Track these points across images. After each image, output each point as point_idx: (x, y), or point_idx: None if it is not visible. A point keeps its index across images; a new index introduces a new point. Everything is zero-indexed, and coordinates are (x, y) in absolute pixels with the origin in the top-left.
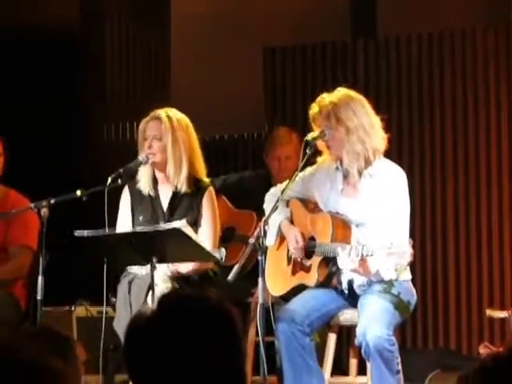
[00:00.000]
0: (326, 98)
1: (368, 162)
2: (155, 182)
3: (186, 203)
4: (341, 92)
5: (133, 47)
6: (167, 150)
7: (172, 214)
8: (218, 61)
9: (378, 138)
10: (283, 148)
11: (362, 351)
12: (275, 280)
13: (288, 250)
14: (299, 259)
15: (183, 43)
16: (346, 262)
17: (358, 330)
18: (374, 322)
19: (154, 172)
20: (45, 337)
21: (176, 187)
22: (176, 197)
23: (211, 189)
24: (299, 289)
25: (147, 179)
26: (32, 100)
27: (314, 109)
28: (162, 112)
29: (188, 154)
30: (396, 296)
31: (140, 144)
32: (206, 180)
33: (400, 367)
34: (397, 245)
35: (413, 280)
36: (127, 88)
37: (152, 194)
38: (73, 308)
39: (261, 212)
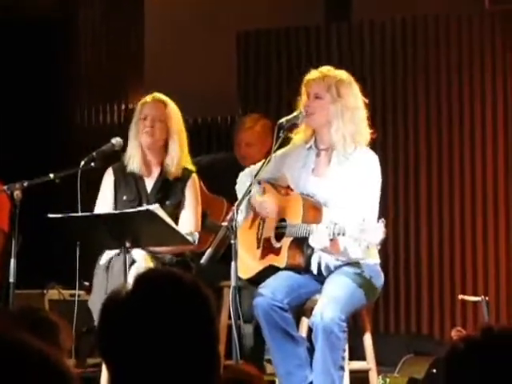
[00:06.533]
0: (329, 70)
1: (349, 147)
2: (144, 163)
3: (171, 188)
4: (344, 72)
5: (106, 32)
6: (170, 135)
7: (155, 196)
8: (192, 45)
9: (367, 131)
10: (243, 134)
11: (313, 333)
12: (244, 263)
13: (258, 232)
14: (269, 239)
15: (157, 28)
16: (318, 241)
17: (315, 312)
18: (330, 303)
19: (142, 153)
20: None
21: (165, 172)
22: (162, 181)
23: (195, 176)
24: (267, 272)
25: (138, 159)
26: (7, 83)
27: (313, 74)
28: (163, 96)
29: (182, 142)
30: (366, 278)
31: (135, 124)
32: (192, 168)
33: (345, 364)
34: (368, 221)
35: (385, 264)
36: (101, 72)
37: (138, 174)
38: (45, 291)
39: (231, 196)
